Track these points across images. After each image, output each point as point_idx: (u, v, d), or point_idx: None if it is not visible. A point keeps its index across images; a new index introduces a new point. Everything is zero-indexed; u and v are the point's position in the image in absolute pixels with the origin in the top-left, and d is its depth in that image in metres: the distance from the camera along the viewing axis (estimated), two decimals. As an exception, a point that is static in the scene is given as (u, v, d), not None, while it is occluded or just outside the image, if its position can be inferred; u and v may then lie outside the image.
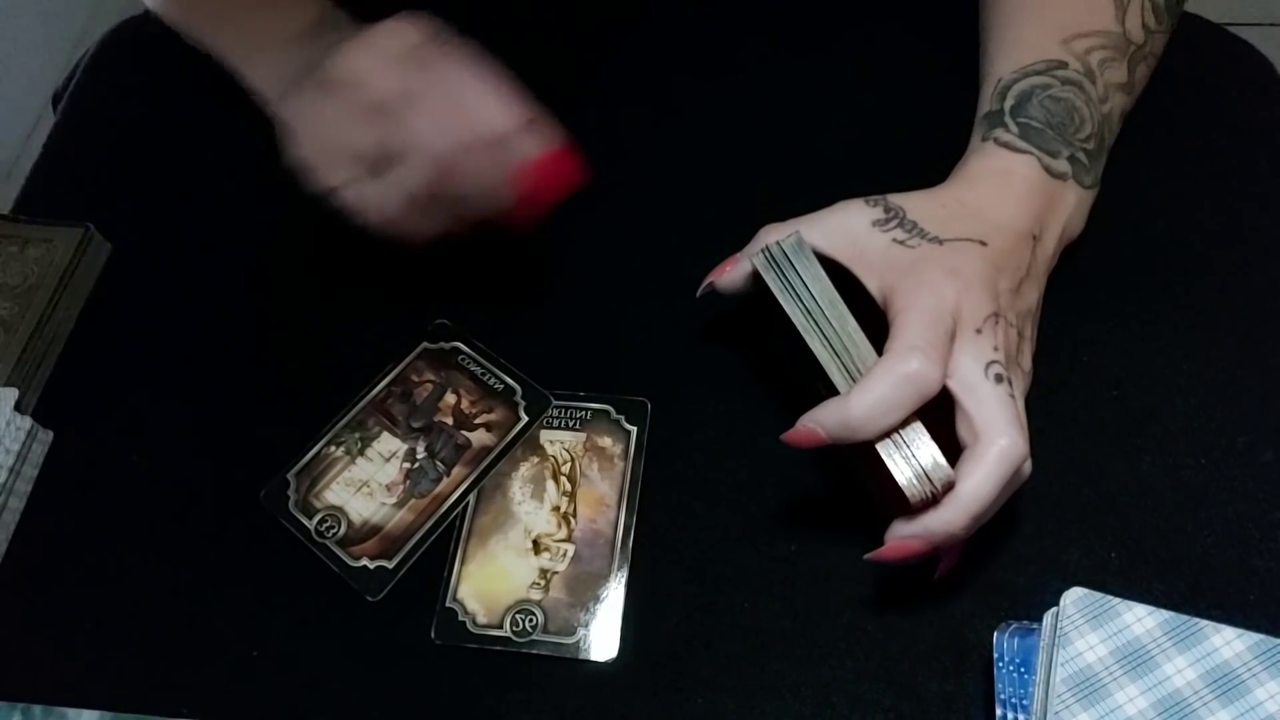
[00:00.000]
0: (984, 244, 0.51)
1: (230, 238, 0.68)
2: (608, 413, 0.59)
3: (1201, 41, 0.70)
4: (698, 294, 0.56)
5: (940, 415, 0.48)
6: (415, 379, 0.61)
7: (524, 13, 0.75)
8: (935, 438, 0.48)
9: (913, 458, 0.47)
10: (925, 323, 0.48)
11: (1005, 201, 0.54)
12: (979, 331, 0.49)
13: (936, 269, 0.50)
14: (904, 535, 0.48)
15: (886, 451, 0.48)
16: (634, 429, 0.58)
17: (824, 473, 0.57)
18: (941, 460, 0.47)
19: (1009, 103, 0.56)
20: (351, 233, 0.65)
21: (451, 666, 0.53)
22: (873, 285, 0.51)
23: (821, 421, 0.48)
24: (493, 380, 0.60)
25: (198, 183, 0.71)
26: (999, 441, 0.47)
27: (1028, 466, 0.48)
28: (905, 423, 0.48)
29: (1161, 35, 0.60)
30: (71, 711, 0.52)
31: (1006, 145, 0.55)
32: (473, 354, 0.61)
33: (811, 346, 0.50)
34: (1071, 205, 0.56)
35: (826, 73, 0.71)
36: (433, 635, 0.53)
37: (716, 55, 0.73)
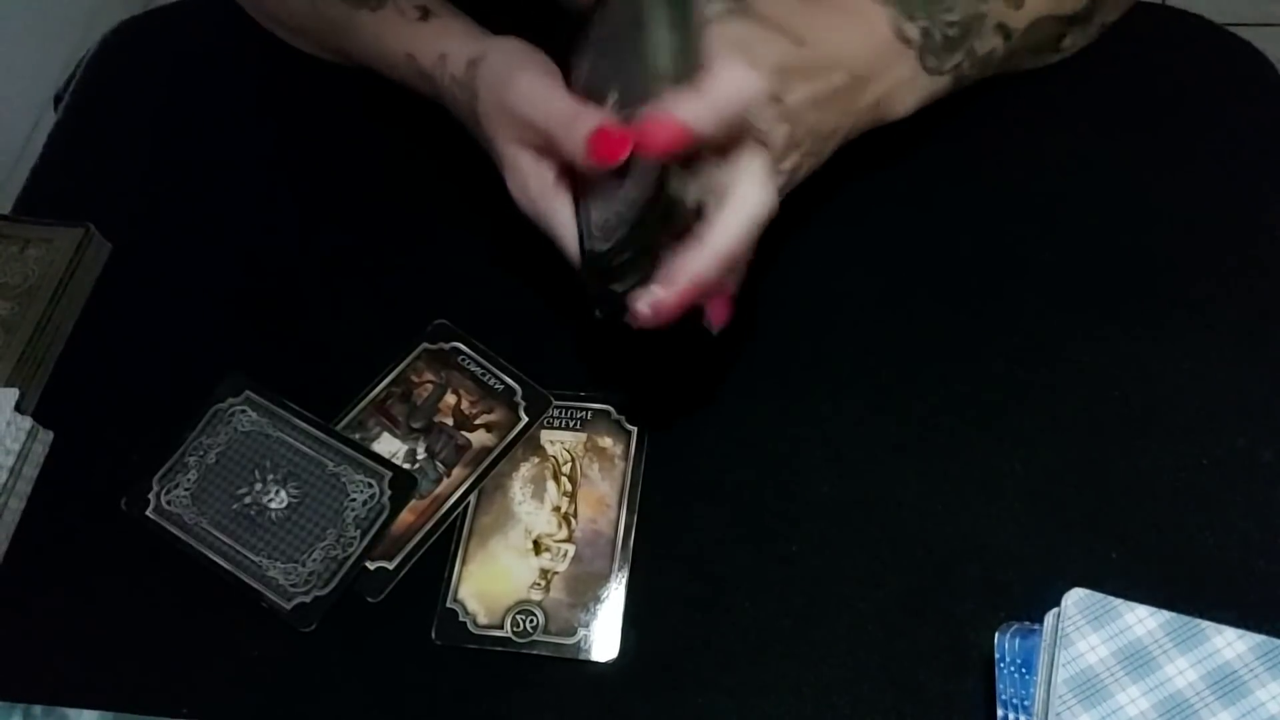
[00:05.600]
0: (800, 45, 0.52)
1: (230, 238, 0.68)
2: (608, 413, 0.59)
3: (1201, 41, 0.70)
4: None
5: None
6: (415, 379, 0.61)
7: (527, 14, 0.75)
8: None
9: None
10: (740, 66, 0.47)
11: (847, 40, 0.54)
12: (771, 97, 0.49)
13: (755, 31, 0.50)
14: (665, 290, 0.47)
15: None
16: (634, 429, 0.58)
17: (824, 473, 0.57)
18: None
19: None
20: (351, 233, 0.65)
21: (452, 667, 0.53)
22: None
23: (686, 111, 0.44)
24: (493, 380, 0.60)
25: (198, 183, 0.71)
26: (758, 195, 0.47)
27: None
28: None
29: None
30: (72, 711, 0.52)
31: None
32: (472, 354, 0.61)
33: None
34: (903, 78, 0.55)
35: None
36: (433, 635, 0.53)
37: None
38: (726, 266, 0.48)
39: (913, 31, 0.55)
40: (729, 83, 0.45)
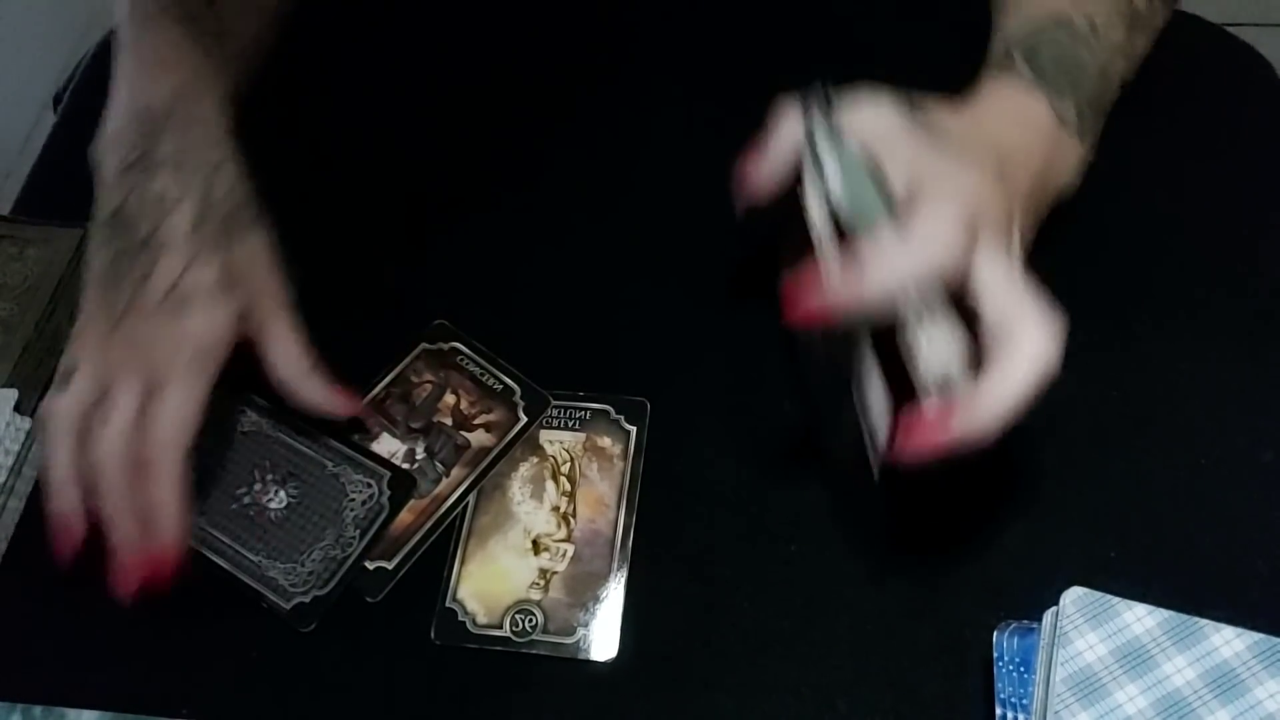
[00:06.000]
0: (1000, 176, 0.50)
1: (230, 238, 0.67)
2: (607, 413, 0.59)
3: (1201, 41, 0.70)
4: (738, 217, 0.53)
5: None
6: (414, 379, 0.61)
7: (530, 12, 0.75)
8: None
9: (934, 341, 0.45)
10: (959, 204, 0.46)
11: (1024, 140, 0.53)
12: (1000, 234, 0.47)
13: (965, 170, 0.48)
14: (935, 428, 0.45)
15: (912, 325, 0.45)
16: (633, 429, 0.58)
17: (824, 473, 0.57)
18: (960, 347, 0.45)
19: (1020, 49, 0.55)
20: (351, 233, 0.65)
21: (451, 666, 0.53)
22: (898, 174, 0.48)
23: (852, 281, 0.44)
24: (491, 381, 0.60)
25: (197, 183, 0.70)
26: (1035, 336, 0.45)
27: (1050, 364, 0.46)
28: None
29: (1163, 9, 0.59)
30: (71, 711, 0.52)
31: (1021, 86, 0.54)
32: (471, 354, 0.61)
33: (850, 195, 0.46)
34: (1073, 157, 0.55)
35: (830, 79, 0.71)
36: (433, 635, 0.53)
37: (719, 57, 0.73)
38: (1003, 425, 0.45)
39: (1069, 114, 0.54)
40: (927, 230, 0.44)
